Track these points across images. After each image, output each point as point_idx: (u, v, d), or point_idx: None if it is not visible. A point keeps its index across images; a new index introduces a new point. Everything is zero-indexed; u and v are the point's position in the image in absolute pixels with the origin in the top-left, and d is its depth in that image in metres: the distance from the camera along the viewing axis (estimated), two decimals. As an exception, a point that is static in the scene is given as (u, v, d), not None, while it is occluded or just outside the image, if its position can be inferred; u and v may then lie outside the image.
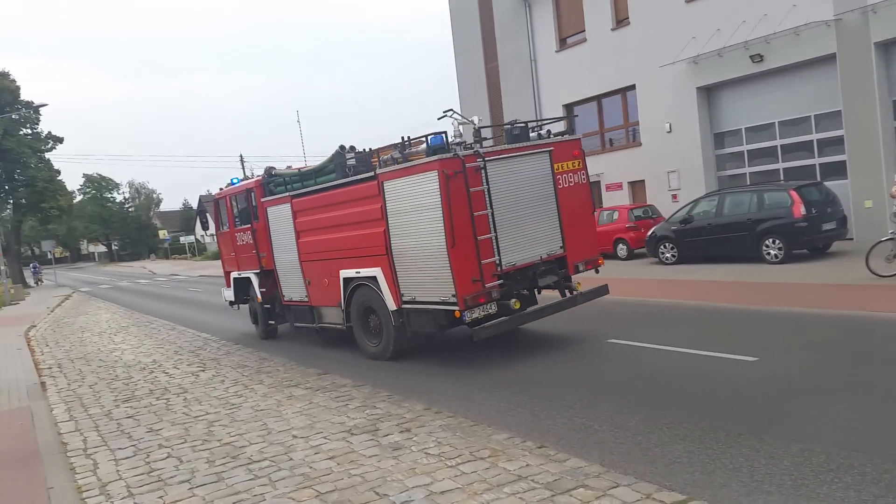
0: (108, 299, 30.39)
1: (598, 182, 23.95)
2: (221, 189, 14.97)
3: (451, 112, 10.39)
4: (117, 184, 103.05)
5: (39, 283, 53.87)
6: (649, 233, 18.58)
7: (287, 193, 12.11)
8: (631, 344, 9.34)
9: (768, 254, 15.34)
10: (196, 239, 77.28)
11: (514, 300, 9.34)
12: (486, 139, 10.17)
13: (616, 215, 20.97)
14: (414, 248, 9.43)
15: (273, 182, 12.74)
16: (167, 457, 6.58)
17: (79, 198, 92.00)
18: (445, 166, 8.77)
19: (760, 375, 7.23)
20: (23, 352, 15.00)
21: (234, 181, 14.43)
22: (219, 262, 17.27)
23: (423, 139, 9.33)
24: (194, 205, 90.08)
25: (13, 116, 46.87)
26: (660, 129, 21.28)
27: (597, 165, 23.72)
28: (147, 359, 12.58)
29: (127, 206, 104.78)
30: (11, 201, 49.97)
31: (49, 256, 61.41)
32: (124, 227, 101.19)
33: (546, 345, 10.13)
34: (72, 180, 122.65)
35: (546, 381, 7.97)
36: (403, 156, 9.49)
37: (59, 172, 52.32)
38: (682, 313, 11.49)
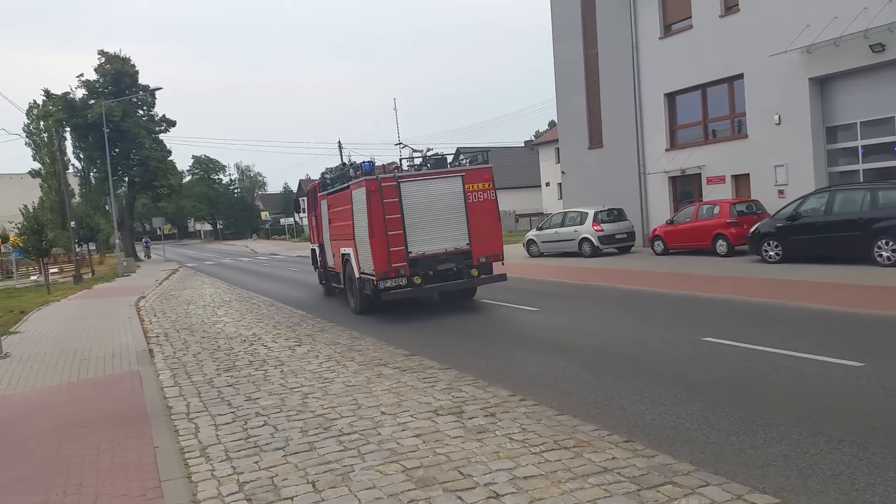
0: (213, 275, 31.95)
1: (699, 175, 23.17)
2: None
3: (404, 145, 16.32)
4: (224, 166, 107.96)
5: (148, 257, 57.23)
6: (752, 229, 17.83)
7: (326, 192, 16.93)
8: (727, 343, 9.02)
9: (880, 256, 14.44)
10: (295, 221, 79.88)
11: (416, 277, 13.41)
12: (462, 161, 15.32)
13: (717, 210, 20.23)
14: (360, 236, 13.78)
15: (323, 182, 17.46)
16: (264, 424, 6.89)
17: (188, 178, 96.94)
18: (369, 184, 13.20)
19: (866, 381, 6.84)
20: (133, 320, 16.00)
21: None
22: (314, 245, 21.36)
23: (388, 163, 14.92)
24: (295, 188, 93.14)
25: (131, 99, 49.80)
26: (768, 120, 20.35)
27: (699, 157, 23.00)
28: (247, 332, 13.18)
29: (232, 187, 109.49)
30: (126, 179, 53.19)
31: (158, 232, 65.03)
32: (229, 208, 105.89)
33: (638, 340, 9.94)
34: (181, 161, 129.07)
35: (636, 376, 7.82)
36: (355, 175, 14.15)
37: (170, 153, 55.20)
38: (784, 314, 10.99)
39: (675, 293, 14.16)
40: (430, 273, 13.57)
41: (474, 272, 13.85)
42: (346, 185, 14.73)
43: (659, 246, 22.13)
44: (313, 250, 19.81)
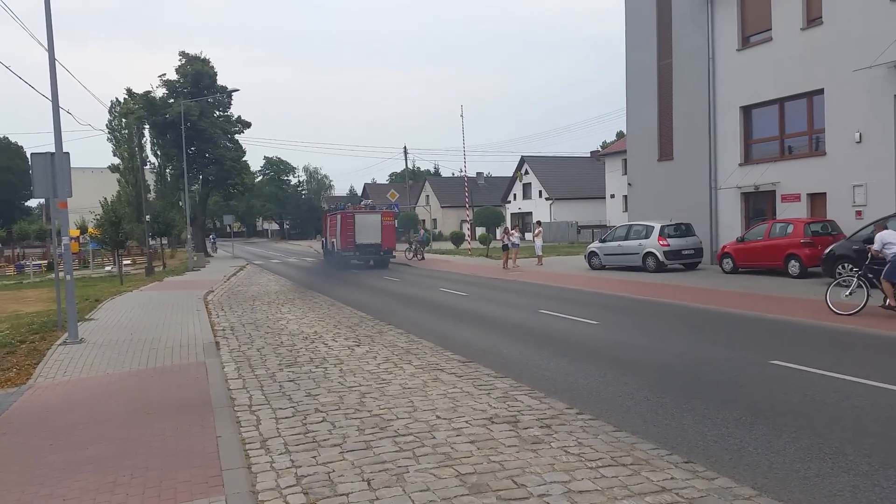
0: (278, 273, 32.71)
1: (773, 192, 22.48)
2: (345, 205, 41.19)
3: (368, 201, 43.73)
4: (293, 167, 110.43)
5: (215, 251, 59.02)
6: (827, 251, 17.16)
7: (329, 213, 38.65)
8: (797, 367, 8.72)
9: (969, 284, 13.64)
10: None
11: (357, 251, 32.75)
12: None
13: (790, 229, 19.57)
14: (337, 234, 33.91)
15: (329, 210, 42.80)
16: (322, 420, 7.00)
17: (259, 178, 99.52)
18: (341, 214, 34.17)
19: (948, 416, 6.49)
20: (201, 313, 16.49)
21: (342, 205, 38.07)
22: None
23: (356, 204, 41.03)
24: (359, 191, 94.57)
25: (209, 100, 51.45)
26: (848, 138, 19.60)
27: (773, 174, 22.34)
28: (309, 329, 13.43)
29: (300, 189, 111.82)
30: (201, 177, 54.99)
31: (228, 230, 66.95)
32: (296, 208, 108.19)
33: (703, 360, 9.70)
34: (253, 162, 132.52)
35: (699, 397, 7.62)
36: (337, 209, 37.83)
37: (244, 153, 56.81)
38: (859, 340, 10.56)
39: (743, 313, 13.76)
40: (364, 250, 32.42)
41: (381, 252, 32.87)
42: (336, 212, 35.23)
43: (728, 264, 21.54)
44: (322, 241, 41.79)
